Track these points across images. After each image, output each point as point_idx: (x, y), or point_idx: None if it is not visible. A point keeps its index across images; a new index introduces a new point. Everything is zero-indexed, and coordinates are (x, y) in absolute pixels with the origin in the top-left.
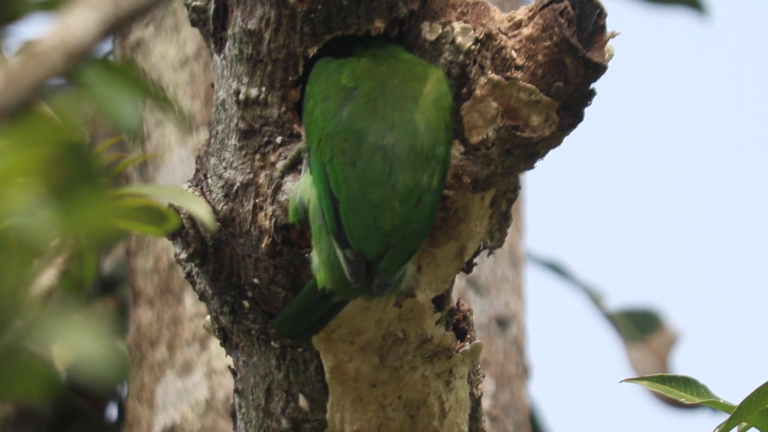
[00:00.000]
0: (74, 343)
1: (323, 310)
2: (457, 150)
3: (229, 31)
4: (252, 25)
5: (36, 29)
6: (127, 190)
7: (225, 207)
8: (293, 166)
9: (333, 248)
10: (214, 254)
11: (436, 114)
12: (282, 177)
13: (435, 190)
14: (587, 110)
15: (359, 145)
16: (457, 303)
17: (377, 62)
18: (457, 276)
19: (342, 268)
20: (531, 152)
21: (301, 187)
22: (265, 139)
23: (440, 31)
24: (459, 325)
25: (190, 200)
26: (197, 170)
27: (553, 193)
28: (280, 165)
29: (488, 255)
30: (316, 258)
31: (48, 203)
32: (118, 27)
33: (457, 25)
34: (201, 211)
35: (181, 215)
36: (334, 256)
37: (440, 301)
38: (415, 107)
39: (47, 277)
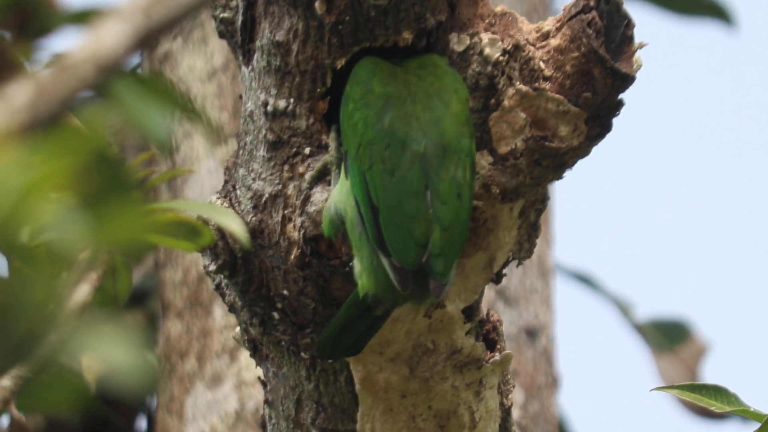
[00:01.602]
0: (104, 355)
1: (365, 325)
2: (485, 160)
3: (257, 43)
4: (280, 36)
5: (67, 42)
6: (159, 204)
7: (254, 218)
8: (321, 177)
9: (374, 255)
10: (243, 266)
11: (459, 108)
12: (310, 188)
13: (469, 183)
14: (615, 120)
15: (399, 153)
16: (487, 314)
17: (393, 64)
18: (486, 287)
19: (386, 274)
20: (559, 162)
21: (335, 198)
22: (294, 150)
23: (468, 42)
24: (489, 335)
25: (223, 215)
26: (226, 181)
27: (582, 204)
28: (307, 176)
29: (517, 266)
30: (357, 265)
31: (79, 216)
32: (149, 40)
33: (485, 36)
34: (234, 225)
35: (211, 227)
36: (376, 262)
37: (470, 311)
38: (440, 103)
39: (81, 292)
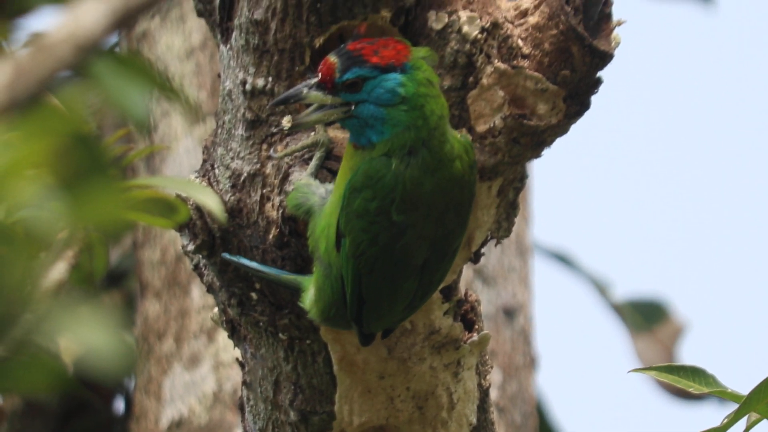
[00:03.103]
0: (81, 336)
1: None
2: (458, 134)
3: (236, 22)
4: (258, 15)
5: (45, 22)
6: (136, 181)
7: (232, 198)
8: (302, 153)
9: (336, 298)
10: (221, 246)
11: (468, 208)
12: (289, 166)
13: (449, 266)
14: (594, 98)
15: (402, 268)
16: (465, 294)
17: (423, 174)
18: (464, 266)
19: (338, 320)
20: (538, 141)
21: (312, 203)
22: (272, 129)
23: (446, 20)
24: (467, 315)
25: (200, 191)
26: (204, 160)
27: (560, 183)
28: (288, 150)
29: (496, 245)
30: (312, 294)
31: (57, 195)
32: (126, 19)
33: (464, 14)
34: (211, 202)
35: (189, 206)
36: (334, 310)
37: (448, 291)
38: (456, 217)
39: (57, 270)
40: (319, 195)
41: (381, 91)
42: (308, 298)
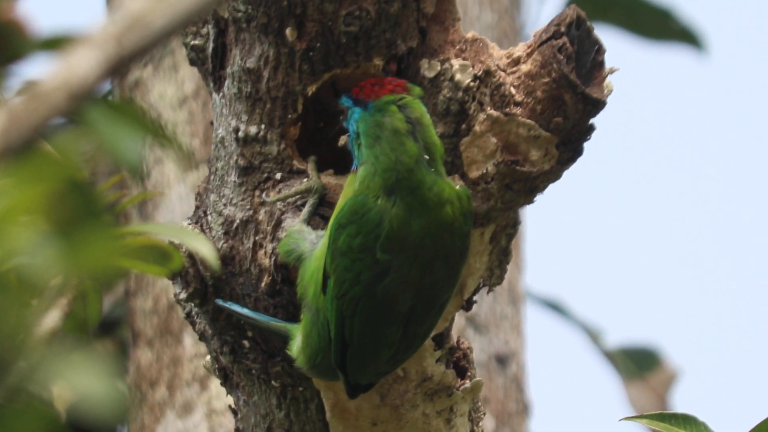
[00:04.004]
0: (75, 384)
1: None
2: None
3: (228, 70)
4: (251, 63)
5: (39, 69)
6: (130, 228)
7: (225, 245)
8: (295, 200)
9: (322, 345)
10: (213, 294)
11: (460, 260)
12: (282, 212)
13: (436, 321)
14: (587, 145)
15: (386, 313)
16: (457, 341)
17: (410, 215)
18: (456, 314)
19: (324, 371)
20: (530, 187)
21: (303, 250)
22: (265, 175)
23: (439, 68)
24: (459, 362)
25: (193, 238)
26: (197, 207)
27: (552, 231)
28: (281, 195)
29: (488, 292)
30: (299, 341)
31: (51, 242)
32: (120, 67)
33: (456, 62)
34: (204, 249)
35: (182, 253)
36: (321, 357)
37: (440, 339)
38: (444, 266)
39: (51, 318)
40: (310, 241)
41: (350, 122)
42: (295, 346)
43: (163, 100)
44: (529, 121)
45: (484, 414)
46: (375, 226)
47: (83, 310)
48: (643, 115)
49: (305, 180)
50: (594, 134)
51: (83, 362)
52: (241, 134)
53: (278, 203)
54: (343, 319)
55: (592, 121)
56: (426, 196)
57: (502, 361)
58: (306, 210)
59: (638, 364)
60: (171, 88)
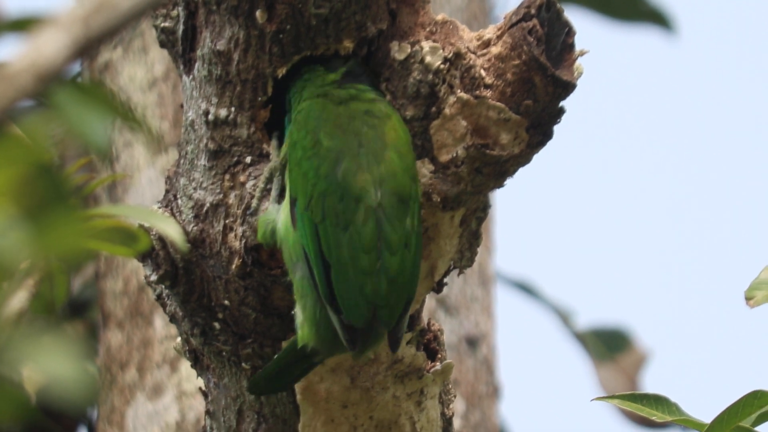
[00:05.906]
0: (45, 366)
1: (300, 369)
2: (426, 168)
3: (198, 52)
4: (221, 45)
5: (6, 51)
6: (98, 210)
7: (195, 228)
8: (269, 190)
9: (319, 307)
10: (184, 276)
11: (408, 154)
12: (260, 201)
13: (417, 230)
14: (557, 128)
15: (353, 208)
16: (428, 323)
17: (347, 108)
18: (427, 296)
19: (330, 328)
20: (500, 170)
21: (274, 216)
22: (235, 159)
23: (409, 50)
24: (430, 345)
25: (161, 220)
26: (167, 191)
27: (522, 212)
28: (257, 192)
29: (458, 274)
30: (299, 314)
31: (19, 224)
32: (88, 49)
33: (426, 45)
34: (172, 231)
35: (152, 236)
36: (321, 315)
37: (411, 321)
38: (393, 152)
39: (18, 299)
40: (277, 210)
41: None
42: (300, 331)
43: (133, 82)
44: (499, 104)
45: (455, 396)
46: (315, 119)
47: (50, 290)
48: (612, 97)
49: (267, 165)
50: (564, 117)
51: (53, 344)
52: (211, 117)
53: (248, 187)
54: (317, 231)
55: (562, 104)
56: (360, 101)
57: (472, 343)
58: (273, 193)
59: (608, 346)
60: (141, 71)
